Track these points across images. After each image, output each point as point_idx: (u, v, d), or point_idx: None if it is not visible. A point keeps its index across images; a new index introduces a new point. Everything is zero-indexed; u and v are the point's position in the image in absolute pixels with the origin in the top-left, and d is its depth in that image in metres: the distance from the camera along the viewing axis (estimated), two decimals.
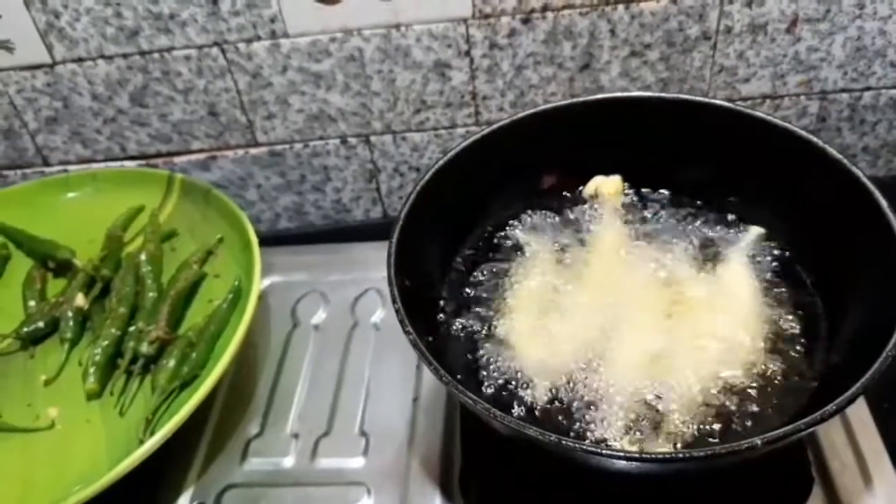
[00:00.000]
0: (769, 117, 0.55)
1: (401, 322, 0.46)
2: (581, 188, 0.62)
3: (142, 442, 0.50)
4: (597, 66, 0.70)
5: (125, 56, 0.69)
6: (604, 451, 0.39)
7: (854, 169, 0.49)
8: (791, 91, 0.71)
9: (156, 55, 0.69)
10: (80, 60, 0.70)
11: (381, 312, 0.65)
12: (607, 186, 0.61)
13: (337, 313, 0.66)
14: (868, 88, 0.71)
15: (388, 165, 0.78)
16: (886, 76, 0.70)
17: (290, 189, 0.80)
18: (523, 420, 0.47)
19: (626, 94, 0.62)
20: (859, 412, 0.54)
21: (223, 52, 0.69)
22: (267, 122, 0.74)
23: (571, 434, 0.47)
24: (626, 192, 0.62)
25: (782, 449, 0.47)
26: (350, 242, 0.73)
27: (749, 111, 0.56)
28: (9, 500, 0.52)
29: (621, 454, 0.40)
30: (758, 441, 0.37)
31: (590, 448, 0.40)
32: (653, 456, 0.40)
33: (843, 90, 0.71)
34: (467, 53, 0.68)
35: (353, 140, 0.75)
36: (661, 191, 0.61)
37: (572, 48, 0.68)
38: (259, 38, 0.68)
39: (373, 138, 0.75)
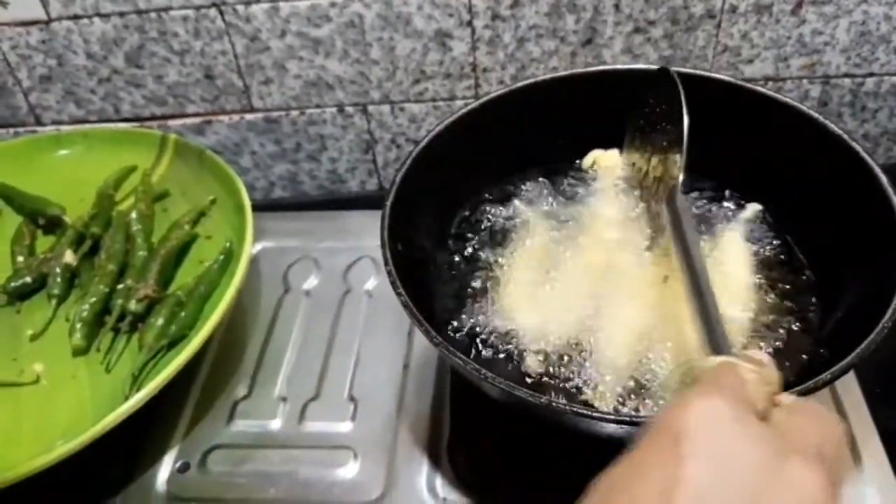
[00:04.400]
0: (770, 92, 0.55)
1: (392, 284, 0.46)
2: (578, 161, 0.62)
3: (127, 398, 0.50)
4: (600, 41, 0.69)
5: (121, 14, 0.68)
6: (593, 414, 0.39)
7: (854, 145, 0.49)
8: (794, 74, 0.71)
9: (153, 14, 0.68)
10: (75, 18, 0.69)
11: (374, 280, 0.65)
12: (605, 160, 0.61)
13: (329, 280, 0.65)
14: (871, 74, 0.71)
15: (385, 136, 0.77)
16: (890, 63, 0.70)
17: (285, 157, 0.79)
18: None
19: (623, 66, 0.62)
20: (851, 393, 0.54)
21: (221, 13, 0.68)
22: (263, 88, 0.73)
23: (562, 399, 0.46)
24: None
25: None
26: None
27: (749, 86, 0.55)
28: None
29: (610, 416, 0.39)
30: None
31: (579, 410, 0.39)
32: (644, 419, 0.40)
33: (846, 75, 0.71)
34: (469, 23, 0.68)
35: (350, 109, 0.75)
36: None
37: (575, 22, 0.68)
38: (258, 1, 0.67)
39: (370, 108, 0.74)
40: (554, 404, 0.39)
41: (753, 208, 0.57)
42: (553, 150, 0.62)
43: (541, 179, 0.61)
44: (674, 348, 0.48)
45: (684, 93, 0.56)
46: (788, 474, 0.26)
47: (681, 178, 0.50)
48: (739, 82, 0.56)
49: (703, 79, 0.57)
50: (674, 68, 0.58)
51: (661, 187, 0.53)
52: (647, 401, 0.46)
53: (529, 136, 0.60)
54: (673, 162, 0.51)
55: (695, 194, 0.59)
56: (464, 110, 0.57)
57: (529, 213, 0.59)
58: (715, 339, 0.38)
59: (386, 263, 0.47)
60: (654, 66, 0.56)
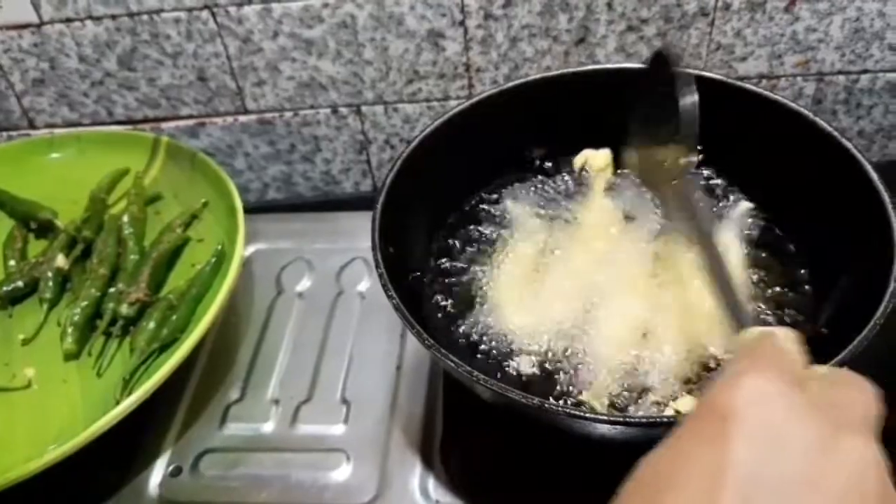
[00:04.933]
0: (760, 90, 0.55)
1: (384, 287, 0.46)
2: (570, 160, 0.62)
3: (119, 402, 0.50)
4: (593, 40, 0.69)
5: (113, 17, 0.68)
6: (587, 415, 0.39)
7: (844, 141, 0.49)
8: (788, 72, 0.71)
9: (144, 17, 0.68)
10: (67, 21, 0.69)
11: (367, 282, 0.64)
12: (596, 160, 0.61)
13: (322, 281, 0.65)
14: (865, 71, 0.70)
15: (379, 137, 0.77)
16: (884, 59, 0.69)
17: (279, 159, 0.79)
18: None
19: (614, 65, 0.62)
20: None
21: (213, 15, 0.68)
22: (257, 89, 0.73)
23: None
24: (617, 165, 0.61)
25: None
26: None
27: (739, 84, 0.55)
28: None
29: (604, 417, 0.39)
30: None
31: (573, 411, 0.39)
32: (637, 420, 0.40)
33: (840, 72, 0.71)
34: (462, 23, 0.67)
35: (344, 110, 0.74)
36: None
37: (568, 21, 0.67)
38: (250, 2, 0.67)
39: (364, 108, 0.74)
40: (547, 406, 0.39)
41: (745, 205, 0.56)
42: (545, 150, 0.61)
43: (532, 179, 0.61)
44: (668, 347, 0.48)
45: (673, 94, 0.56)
46: (842, 450, 0.25)
47: (693, 159, 0.49)
48: (730, 80, 0.55)
49: (694, 77, 0.57)
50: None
51: (670, 174, 0.51)
52: (640, 400, 0.46)
53: (521, 135, 0.60)
54: (682, 146, 0.50)
55: None
56: (454, 111, 0.57)
57: (521, 213, 0.59)
58: (740, 315, 0.37)
59: (377, 266, 0.47)
60: (644, 63, 0.56)
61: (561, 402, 0.46)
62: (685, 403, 0.45)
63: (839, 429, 0.25)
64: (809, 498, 0.24)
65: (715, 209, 0.57)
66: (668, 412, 0.45)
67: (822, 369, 0.30)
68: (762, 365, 0.28)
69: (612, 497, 0.26)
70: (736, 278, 0.40)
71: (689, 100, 0.48)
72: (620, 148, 0.58)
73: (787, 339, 0.30)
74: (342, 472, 0.52)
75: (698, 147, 0.49)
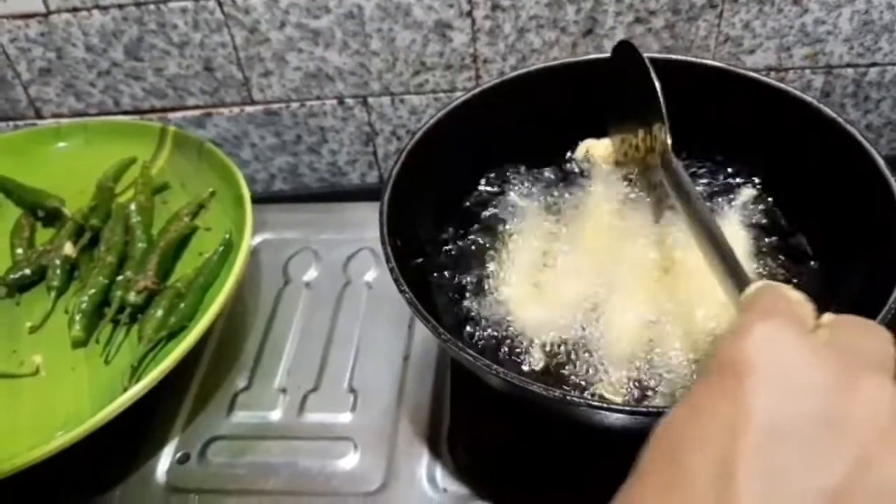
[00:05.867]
0: (765, 78, 0.54)
1: (395, 281, 0.45)
2: (574, 150, 0.62)
3: (126, 389, 0.50)
4: (600, 31, 0.69)
5: (120, 6, 0.68)
6: (612, 407, 0.39)
7: (851, 129, 0.49)
8: (796, 64, 0.70)
9: (151, 6, 0.68)
10: (74, 10, 0.69)
11: (374, 272, 0.64)
12: (598, 149, 0.61)
13: (329, 272, 0.65)
14: (874, 64, 0.70)
15: (386, 128, 0.77)
16: (893, 52, 0.69)
17: (285, 150, 0.79)
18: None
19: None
20: None
21: (220, 4, 0.68)
22: (263, 80, 0.73)
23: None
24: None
25: None
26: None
27: (744, 72, 0.55)
28: None
29: (628, 409, 0.39)
30: None
31: (595, 403, 0.39)
32: (659, 410, 0.39)
33: (849, 65, 0.70)
34: (469, 14, 0.67)
35: (350, 101, 0.74)
36: None
37: (576, 12, 0.67)
38: None
39: (370, 100, 0.74)
40: (568, 398, 0.39)
41: (749, 194, 0.56)
42: (549, 140, 0.61)
43: (537, 170, 0.61)
44: (679, 337, 0.48)
45: (678, 82, 0.56)
46: (861, 393, 0.24)
47: (668, 140, 0.50)
48: (733, 68, 0.55)
49: (698, 66, 0.57)
50: (672, 56, 0.58)
51: (653, 157, 0.53)
52: (653, 392, 0.46)
53: (525, 125, 0.60)
54: (658, 129, 0.51)
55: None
56: (458, 101, 0.56)
57: (526, 203, 0.58)
58: (739, 275, 0.37)
59: (388, 260, 0.46)
60: (656, 54, 0.56)
61: (572, 392, 0.46)
62: None
63: (856, 370, 0.25)
64: (831, 440, 0.23)
65: (720, 198, 0.57)
66: None
67: (832, 316, 0.29)
68: (770, 313, 0.27)
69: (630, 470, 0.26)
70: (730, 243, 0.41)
71: (655, 89, 0.51)
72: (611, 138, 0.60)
73: (791, 291, 0.30)
74: (349, 461, 0.52)
75: (667, 124, 0.51)
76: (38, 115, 0.77)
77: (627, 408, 0.40)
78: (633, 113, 0.55)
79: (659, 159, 0.51)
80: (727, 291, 0.38)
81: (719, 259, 0.39)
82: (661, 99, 0.50)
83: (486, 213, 0.58)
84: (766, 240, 0.54)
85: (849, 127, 0.49)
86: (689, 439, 0.24)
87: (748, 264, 0.52)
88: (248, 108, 0.75)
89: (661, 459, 0.25)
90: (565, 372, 0.48)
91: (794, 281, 0.51)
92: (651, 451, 0.26)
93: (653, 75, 0.51)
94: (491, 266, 0.55)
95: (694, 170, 0.59)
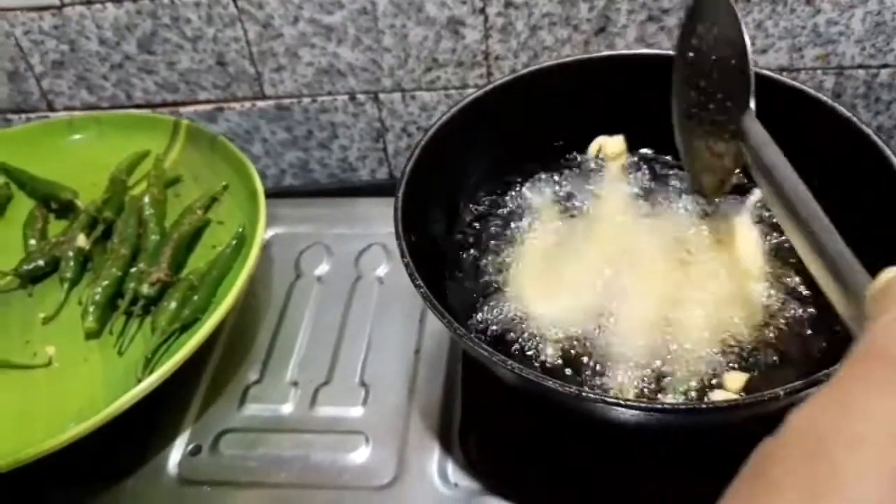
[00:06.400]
0: (777, 76, 0.54)
1: (410, 276, 0.46)
2: (586, 147, 0.62)
3: (139, 381, 0.50)
4: (613, 29, 0.69)
5: (134, 0, 0.68)
6: (630, 403, 0.39)
7: (864, 128, 0.49)
8: (808, 65, 0.71)
9: (165, 0, 0.68)
10: (88, 3, 0.69)
11: (386, 267, 0.65)
12: (611, 146, 0.61)
13: (341, 266, 0.65)
14: (885, 66, 0.70)
15: (397, 125, 0.77)
16: None
17: (296, 145, 0.79)
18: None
19: (629, 51, 0.62)
20: None
21: None
22: (275, 75, 0.73)
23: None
24: (632, 152, 0.61)
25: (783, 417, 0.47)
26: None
27: (754, 69, 0.55)
28: (5, 433, 0.51)
29: (644, 405, 0.39)
30: (780, 392, 0.37)
31: (611, 399, 0.39)
32: (677, 407, 0.40)
33: (861, 66, 0.70)
34: (482, 11, 0.68)
35: (361, 97, 0.74)
36: (666, 154, 0.61)
37: (589, 10, 0.67)
38: None
39: (382, 96, 0.74)
40: (584, 394, 0.39)
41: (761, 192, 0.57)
42: (561, 137, 0.61)
43: (549, 166, 0.61)
44: (693, 334, 0.48)
45: None
46: None
47: (752, 103, 0.45)
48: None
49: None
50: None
51: (726, 123, 0.48)
52: (667, 388, 0.46)
53: (537, 122, 0.60)
54: (736, 89, 0.46)
55: None
56: (470, 98, 0.57)
57: (539, 200, 0.59)
58: (847, 268, 0.33)
59: (402, 256, 0.46)
60: (661, 51, 0.56)
61: (587, 388, 0.46)
62: (717, 395, 0.45)
63: None
64: None
65: (732, 196, 0.57)
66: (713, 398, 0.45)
67: None
68: None
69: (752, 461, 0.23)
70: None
71: (743, 39, 0.45)
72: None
73: None
74: (361, 454, 0.52)
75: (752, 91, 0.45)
76: (51, 108, 0.77)
77: (642, 404, 0.40)
78: (704, 70, 0.51)
79: (736, 125, 0.46)
80: (833, 281, 0.34)
81: (816, 248, 0.35)
82: (749, 51, 0.45)
83: (498, 210, 0.59)
84: (777, 238, 0.54)
85: (863, 126, 0.49)
86: (839, 436, 0.21)
87: (761, 259, 0.52)
88: (260, 103, 0.75)
89: (802, 453, 0.22)
90: (578, 367, 0.48)
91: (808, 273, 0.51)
92: (787, 441, 0.22)
93: (742, 25, 0.46)
94: (503, 262, 0.55)
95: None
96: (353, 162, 0.80)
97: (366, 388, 0.56)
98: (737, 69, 0.46)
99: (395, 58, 0.71)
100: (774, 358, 0.47)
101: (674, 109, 0.54)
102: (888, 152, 0.47)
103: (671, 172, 0.60)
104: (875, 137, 0.48)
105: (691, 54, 0.52)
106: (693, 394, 0.46)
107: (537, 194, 0.59)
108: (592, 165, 0.61)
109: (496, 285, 0.54)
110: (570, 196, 0.59)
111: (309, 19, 0.69)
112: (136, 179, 0.69)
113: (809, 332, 0.49)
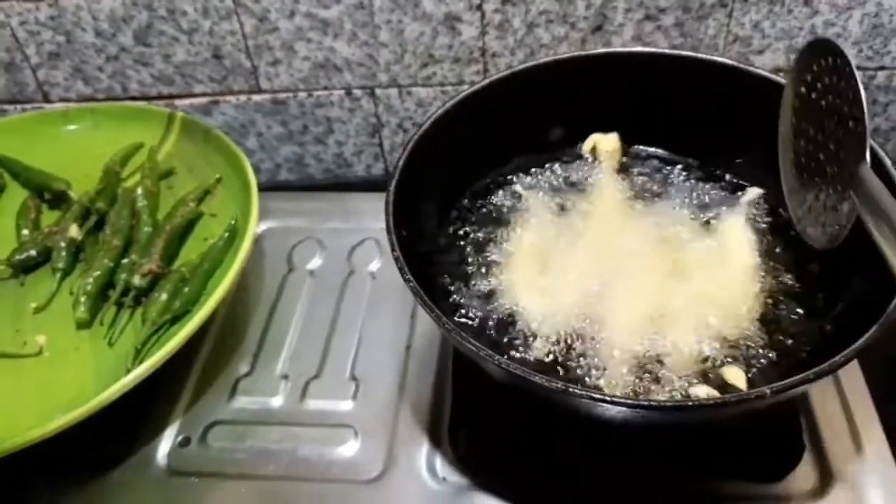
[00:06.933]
0: (770, 75, 0.55)
1: (400, 270, 0.45)
2: (580, 144, 0.62)
3: (129, 371, 0.50)
4: (610, 28, 0.69)
5: None
6: (615, 399, 0.39)
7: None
8: None
9: None
10: None
11: (378, 262, 0.65)
12: (605, 144, 0.61)
13: (333, 260, 0.65)
14: (882, 68, 0.70)
15: (392, 120, 0.77)
16: None
17: (291, 139, 0.79)
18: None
19: (624, 49, 0.62)
20: (855, 385, 0.53)
21: None
22: (271, 69, 0.73)
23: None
24: (626, 150, 0.61)
25: (774, 414, 0.47)
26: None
27: (751, 69, 0.55)
28: None
29: (630, 402, 0.39)
30: (766, 390, 0.37)
31: (597, 395, 0.39)
32: (663, 404, 0.40)
33: (858, 68, 0.69)
34: (479, 7, 0.67)
35: (357, 92, 0.74)
36: (660, 150, 0.61)
37: (586, 8, 0.67)
38: None
39: (378, 91, 0.74)
40: (571, 390, 0.39)
41: (756, 192, 0.57)
42: (555, 134, 0.61)
43: (543, 162, 0.61)
44: (681, 332, 0.48)
45: (684, 78, 0.56)
46: None
47: (867, 155, 0.42)
48: (740, 64, 0.56)
49: (706, 63, 0.57)
50: (672, 51, 0.58)
51: (838, 172, 0.45)
52: (655, 386, 0.46)
53: (532, 119, 0.60)
54: (850, 137, 0.44)
55: (694, 178, 0.59)
56: (465, 93, 0.57)
57: (532, 196, 0.59)
58: None
59: (393, 250, 0.46)
60: (667, 50, 0.56)
61: (575, 384, 0.46)
62: (701, 390, 0.45)
63: None
64: None
65: (723, 195, 0.57)
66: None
67: None
68: None
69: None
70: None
71: (857, 88, 0.42)
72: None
73: None
74: (349, 448, 0.52)
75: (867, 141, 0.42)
76: (46, 99, 0.77)
77: (629, 400, 0.40)
78: (815, 117, 0.48)
79: (851, 177, 0.43)
80: None
81: None
82: (864, 102, 0.42)
83: (491, 205, 0.59)
84: (771, 238, 0.54)
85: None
86: None
87: (753, 259, 0.52)
88: (256, 97, 0.75)
89: None
90: (568, 363, 0.48)
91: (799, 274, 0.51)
92: None
93: (856, 73, 0.43)
94: (495, 257, 0.55)
95: (699, 169, 0.59)
96: (349, 157, 0.80)
97: (356, 382, 0.56)
98: (849, 117, 0.44)
99: (392, 53, 0.71)
100: (771, 355, 0.47)
101: (781, 156, 0.51)
102: (883, 154, 0.47)
103: (665, 170, 0.60)
104: (869, 139, 0.48)
105: (804, 95, 0.49)
106: (684, 391, 0.46)
107: (531, 190, 0.59)
108: (587, 162, 0.61)
109: (488, 281, 0.54)
110: (563, 192, 0.59)
111: (305, 13, 0.69)
112: (130, 171, 0.69)
113: (801, 329, 0.48)
